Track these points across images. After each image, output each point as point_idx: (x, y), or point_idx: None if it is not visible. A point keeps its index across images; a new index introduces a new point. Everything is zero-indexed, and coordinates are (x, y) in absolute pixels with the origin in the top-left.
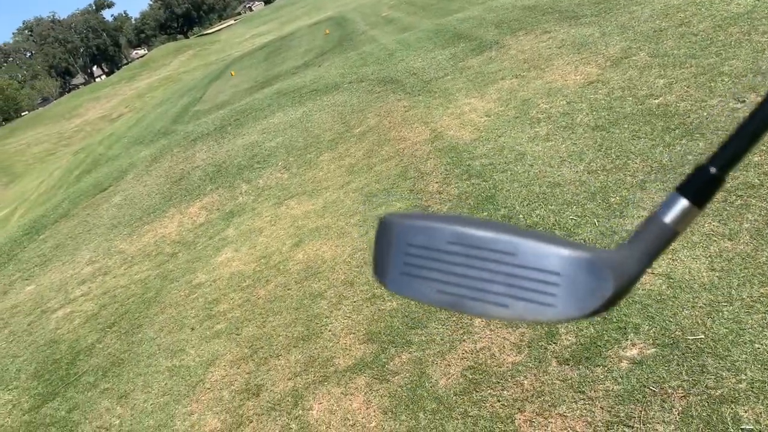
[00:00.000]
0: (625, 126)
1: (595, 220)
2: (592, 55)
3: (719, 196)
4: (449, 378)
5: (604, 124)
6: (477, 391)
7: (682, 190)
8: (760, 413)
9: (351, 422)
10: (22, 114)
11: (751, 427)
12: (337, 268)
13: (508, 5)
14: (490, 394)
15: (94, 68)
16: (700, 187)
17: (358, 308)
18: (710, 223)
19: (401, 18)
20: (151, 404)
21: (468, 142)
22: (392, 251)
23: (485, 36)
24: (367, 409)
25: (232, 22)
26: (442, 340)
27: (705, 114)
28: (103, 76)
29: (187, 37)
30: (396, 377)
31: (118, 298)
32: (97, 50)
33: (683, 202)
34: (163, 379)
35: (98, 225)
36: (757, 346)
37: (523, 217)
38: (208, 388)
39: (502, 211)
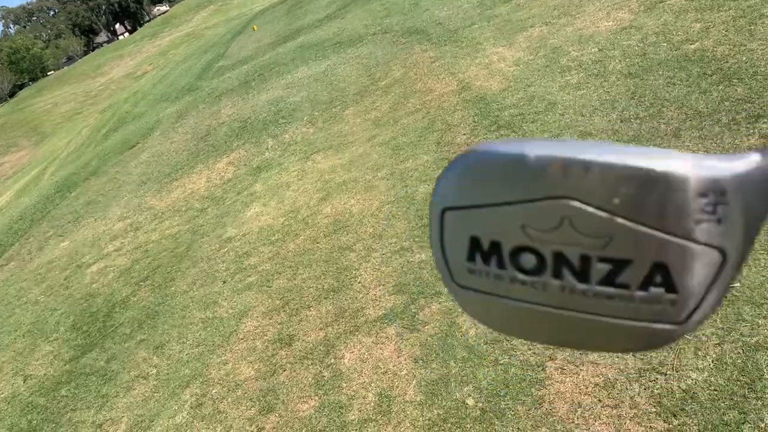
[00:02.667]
0: (660, 73)
1: None
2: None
3: (757, 141)
4: (479, 327)
5: (638, 71)
6: (508, 340)
7: None
8: None
9: (383, 370)
10: (48, 74)
11: None
12: (365, 221)
13: None
14: (520, 342)
15: (117, 26)
16: None
17: (387, 260)
18: None
19: None
20: (186, 354)
21: (496, 92)
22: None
23: None
24: (398, 357)
25: None
26: None
27: (744, 59)
28: (126, 34)
29: None
30: (426, 327)
31: (150, 252)
32: (119, 7)
33: None
34: (197, 330)
35: (128, 182)
36: None
37: None
38: (242, 339)
39: None
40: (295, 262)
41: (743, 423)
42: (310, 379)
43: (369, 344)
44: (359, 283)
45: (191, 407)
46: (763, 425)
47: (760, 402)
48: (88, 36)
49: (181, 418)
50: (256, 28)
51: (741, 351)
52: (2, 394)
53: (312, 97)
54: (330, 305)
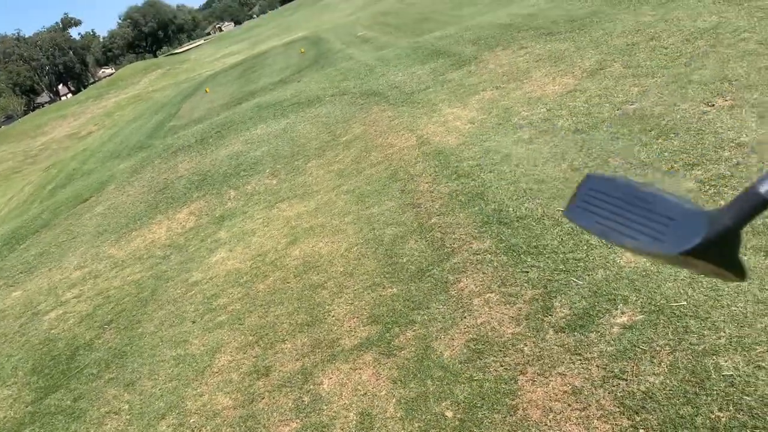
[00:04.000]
0: (604, 129)
1: None
2: (568, 67)
3: (694, 185)
4: (453, 349)
5: (584, 128)
6: (480, 359)
7: None
8: (738, 362)
9: (362, 392)
10: None
11: (731, 373)
12: (335, 261)
13: (483, 24)
14: (493, 360)
15: (60, 87)
16: None
17: (359, 295)
18: None
19: (377, 37)
20: (160, 389)
21: (454, 146)
22: (579, 193)
23: (463, 52)
24: (377, 380)
25: (201, 42)
26: (443, 318)
27: (678, 116)
28: (69, 95)
29: (156, 56)
30: (402, 351)
31: (113, 298)
32: (63, 68)
33: None
34: (169, 367)
35: (83, 233)
36: (733, 308)
37: (513, 210)
38: (216, 372)
39: (492, 205)
40: (267, 300)
41: (696, 416)
42: (290, 404)
43: (347, 370)
44: (333, 316)
45: None
46: (713, 416)
47: (709, 398)
48: (29, 96)
49: None
50: (208, 90)
51: (691, 357)
52: None
53: (273, 152)
54: (305, 338)
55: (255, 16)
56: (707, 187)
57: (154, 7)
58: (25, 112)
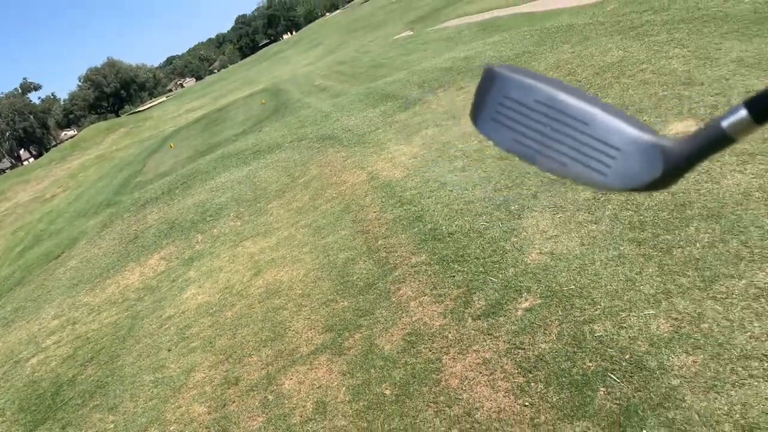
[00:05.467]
0: None
1: (500, 223)
2: None
3: (589, 194)
4: (393, 343)
5: (508, 155)
6: (414, 348)
7: (746, 103)
8: (607, 326)
9: (317, 385)
10: None
11: (601, 334)
12: (294, 286)
13: (428, 68)
14: (423, 347)
15: (22, 152)
16: (762, 104)
17: (315, 311)
18: (583, 214)
19: (333, 86)
20: (141, 408)
21: (399, 179)
22: (489, 99)
23: (410, 95)
24: (330, 375)
25: (163, 99)
26: (385, 320)
27: None
28: (32, 159)
29: (118, 116)
30: (351, 350)
31: (92, 339)
32: (24, 133)
33: (743, 113)
34: (148, 389)
35: (57, 286)
36: (608, 287)
37: (445, 228)
38: (191, 388)
39: (429, 225)
40: (234, 325)
41: (573, 367)
42: (257, 403)
43: (305, 371)
44: (293, 330)
45: None
46: (584, 366)
47: (583, 353)
48: None
49: None
50: (172, 146)
51: (573, 326)
52: None
53: (237, 197)
54: (269, 350)
55: (216, 71)
56: (599, 195)
57: (114, 67)
58: None
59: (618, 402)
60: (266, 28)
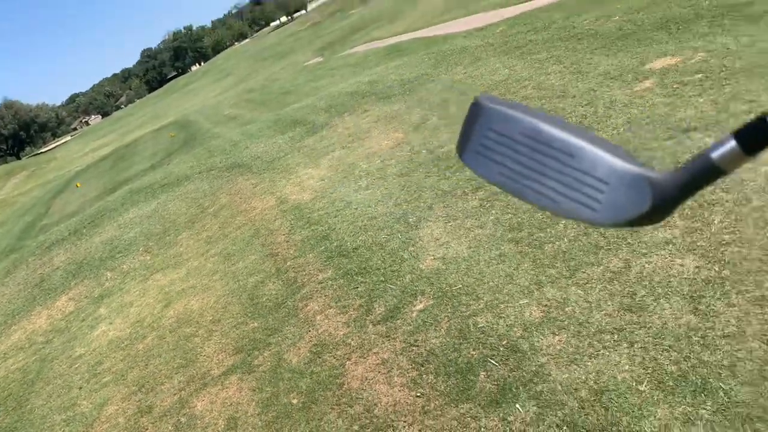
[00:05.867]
0: (421, 170)
1: (399, 234)
2: (399, 124)
3: (476, 202)
4: (300, 356)
5: (407, 172)
6: (320, 357)
7: (736, 134)
8: (489, 317)
9: (228, 403)
10: None
11: (483, 325)
12: (204, 313)
13: (334, 93)
14: (328, 356)
15: None
16: (752, 134)
17: (226, 334)
18: (471, 221)
19: (243, 114)
20: None
21: (308, 201)
22: (474, 131)
23: (317, 119)
24: (240, 392)
25: (68, 138)
26: (293, 336)
27: None
28: None
29: (20, 158)
30: (260, 367)
31: None
32: None
33: (732, 144)
34: (60, 428)
35: None
36: (490, 284)
37: (350, 244)
38: (104, 421)
39: (335, 243)
40: (146, 356)
41: (459, 357)
42: (170, 427)
43: (216, 391)
44: (204, 355)
45: None
46: (468, 354)
47: (468, 344)
48: None
49: None
50: (79, 185)
51: (459, 320)
52: None
53: (146, 231)
54: (181, 377)
55: (123, 106)
56: (485, 202)
57: (12, 108)
58: None
59: (496, 383)
60: (173, 60)
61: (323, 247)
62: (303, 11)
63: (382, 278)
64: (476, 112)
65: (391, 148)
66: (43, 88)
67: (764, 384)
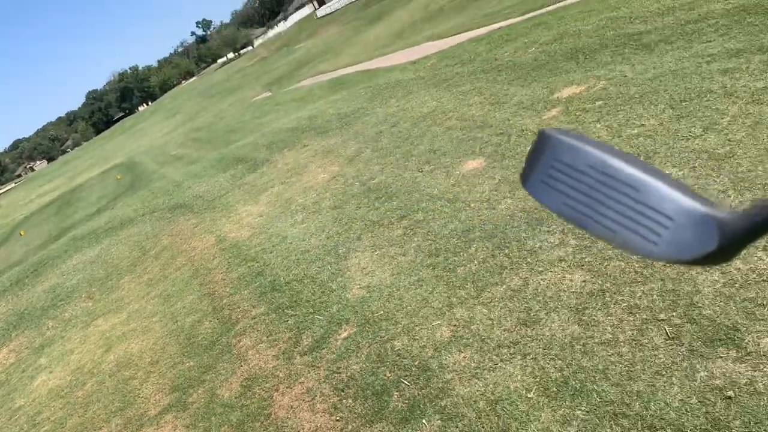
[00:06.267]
0: (353, 202)
1: (329, 266)
2: (335, 157)
3: (401, 230)
4: (232, 390)
5: (340, 204)
6: (250, 390)
7: None
8: (405, 340)
9: None
10: None
11: (399, 348)
12: (144, 355)
13: (276, 129)
14: (258, 388)
15: None
16: None
17: (163, 375)
18: (395, 249)
19: (190, 153)
20: None
21: (246, 238)
22: (540, 162)
23: (258, 156)
24: (174, 430)
25: (12, 185)
26: (226, 371)
27: (399, 183)
28: None
29: None
30: (194, 404)
31: None
32: None
33: None
34: None
35: None
36: (408, 308)
37: (284, 278)
38: None
39: (269, 278)
40: (86, 402)
41: (376, 379)
42: None
43: (152, 431)
44: (142, 397)
45: None
46: (384, 377)
47: (384, 366)
48: None
49: None
50: (23, 233)
51: (379, 346)
52: None
53: (88, 277)
54: (119, 419)
55: (69, 150)
56: (408, 231)
57: None
58: None
59: (407, 401)
60: (120, 101)
61: (257, 283)
62: (250, 47)
63: (311, 310)
64: (543, 144)
65: (326, 182)
66: None
67: (629, 384)
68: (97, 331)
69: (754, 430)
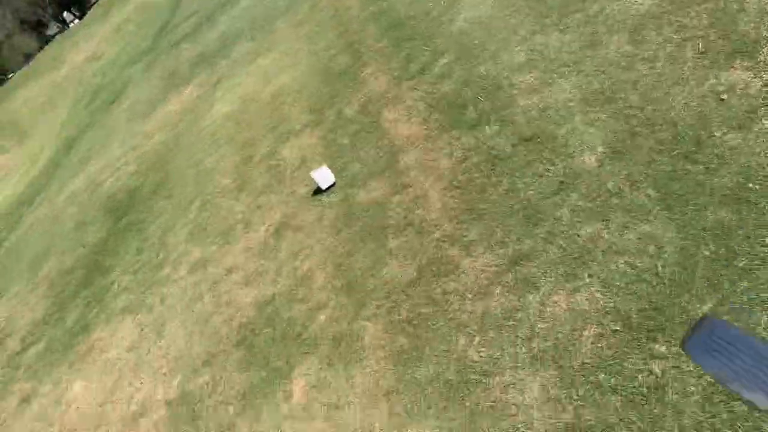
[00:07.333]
0: None
1: (442, 1)
2: None
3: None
4: (353, 109)
5: None
6: (366, 109)
7: None
8: (488, 66)
9: (303, 147)
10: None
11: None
12: (292, 84)
13: None
14: (371, 108)
15: (66, 14)
16: None
17: (306, 99)
18: None
19: None
20: (189, 189)
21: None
22: (700, 333)
23: None
24: (311, 139)
25: None
26: (350, 95)
27: None
28: (76, 21)
29: None
30: (326, 120)
31: (148, 155)
32: None
33: None
34: (191, 178)
35: (117, 124)
36: (497, 37)
37: (404, 14)
38: (220, 170)
39: (393, 14)
40: (250, 122)
41: (458, 99)
42: (264, 168)
43: (296, 141)
44: (290, 117)
45: None
46: (467, 96)
47: (469, 89)
48: (38, 30)
49: None
50: None
51: (468, 70)
52: None
53: (251, 21)
54: (273, 134)
55: None
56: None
57: None
58: (40, 48)
59: (479, 113)
60: None
61: (383, 20)
62: None
63: (422, 42)
64: (705, 326)
65: None
66: None
67: (650, 92)
68: (257, 67)
69: (726, 129)
